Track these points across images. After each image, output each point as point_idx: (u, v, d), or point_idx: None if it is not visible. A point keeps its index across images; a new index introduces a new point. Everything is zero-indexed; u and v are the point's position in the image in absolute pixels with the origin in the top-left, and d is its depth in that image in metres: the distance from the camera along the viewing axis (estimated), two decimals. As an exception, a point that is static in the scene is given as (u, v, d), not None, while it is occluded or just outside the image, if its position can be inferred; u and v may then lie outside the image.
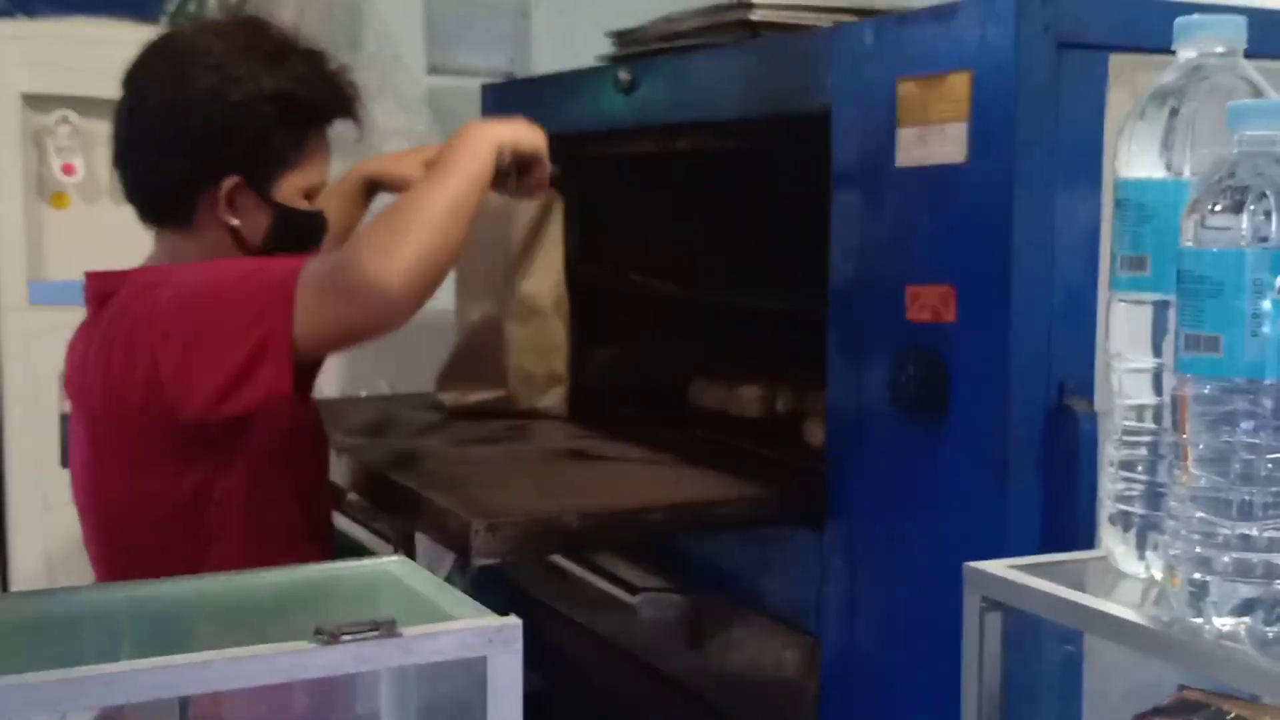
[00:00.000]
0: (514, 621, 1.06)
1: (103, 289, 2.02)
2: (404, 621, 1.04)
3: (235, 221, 2.03)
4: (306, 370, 1.95)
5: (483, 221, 2.50)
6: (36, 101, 3.06)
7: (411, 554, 2.47)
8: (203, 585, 1.37)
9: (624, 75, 2.45)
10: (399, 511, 2.17)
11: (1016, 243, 1.72)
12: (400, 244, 1.86)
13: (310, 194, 2.10)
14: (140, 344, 1.89)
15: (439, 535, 2.02)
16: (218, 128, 1.99)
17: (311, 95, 2.06)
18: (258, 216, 2.04)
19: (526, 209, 2.48)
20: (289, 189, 2.06)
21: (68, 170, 3.06)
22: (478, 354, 2.64)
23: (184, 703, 1.18)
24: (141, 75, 2.04)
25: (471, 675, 1.05)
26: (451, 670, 1.05)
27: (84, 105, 3.05)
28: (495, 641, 1.05)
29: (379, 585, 1.26)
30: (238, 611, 1.25)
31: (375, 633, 1.01)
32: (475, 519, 1.85)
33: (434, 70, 3.87)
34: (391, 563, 1.28)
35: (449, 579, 3.05)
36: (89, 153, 3.07)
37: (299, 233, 2.09)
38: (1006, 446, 1.74)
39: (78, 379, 2.02)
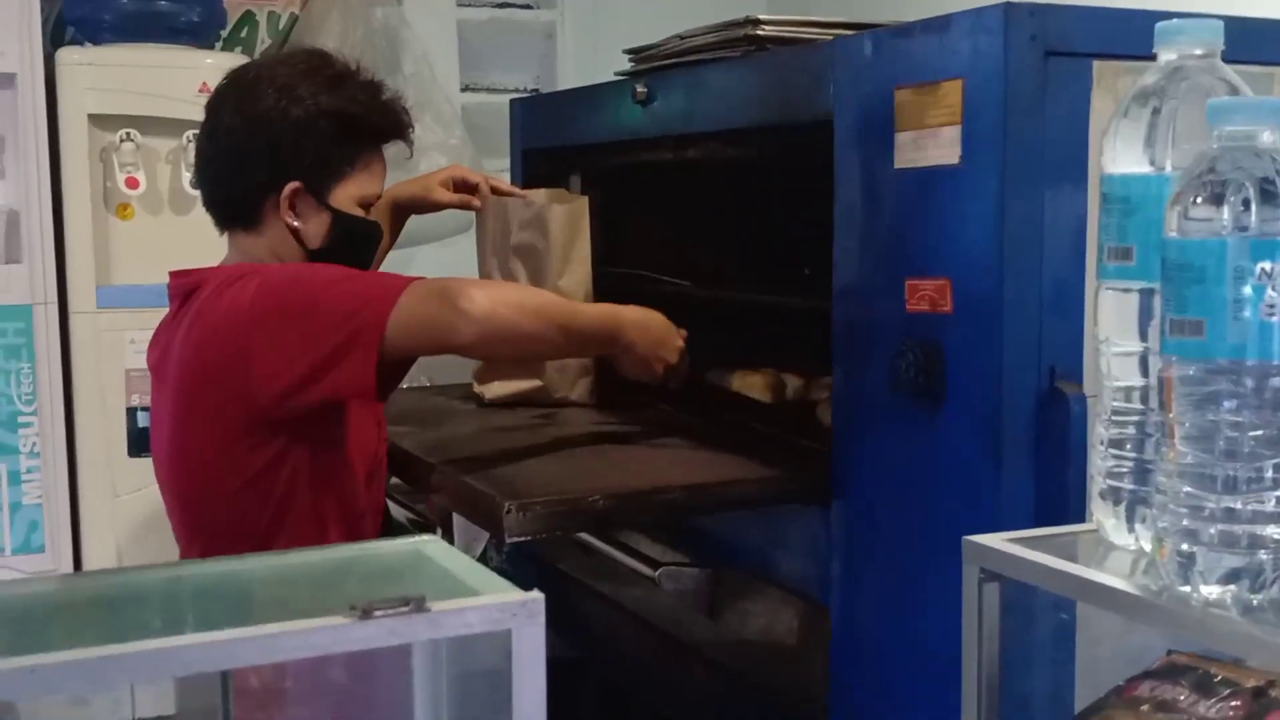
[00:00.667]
0: (536, 596, 1.03)
1: (187, 284, 2.06)
2: (434, 597, 1.01)
3: (296, 223, 2.08)
4: (390, 372, 1.97)
5: (521, 226, 2.50)
6: (102, 121, 3.05)
7: (449, 533, 2.46)
8: (252, 564, 1.35)
9: (640, 89, 2.44)
10: (437, 494, 2.15)
11: (1008, 238, 1.70)
12: (510, 300, 1.99)
13: (365, 204, 2.13)
14: (230, 329, 1.93)
15: (474, 515, 2.01)
16: (280, 139, 2.05)
17: (365, 115, 2.10)
18: (317, 220, 2.08)
19: (559, 215, 2.48)
20: (345, 197, 2.10)
21: (131, 184, 3.05)
22: None
23: (225, 676, 1.15)
24: (219, 99, 2.11)
25: (499, 648, 1.02)
26: (480, 643, 1.02)
27: (145, 124, 3.05)
28: (519, 615, 1.02)
29: (412, 564, 1.23)
30: (281, 589, 1.23)
31: (406, 608, 0.98)
32: (507, 500, 1.84)
33: (467, 88, 3.87)
34: (425, 542, 1.26)
35: (485, 556, 3.05)
36: (150, 168, 3.07)
37: (354, 237, 2.14)
38: (1001, 428, 1.71)
39: (165, 363, 2.06)
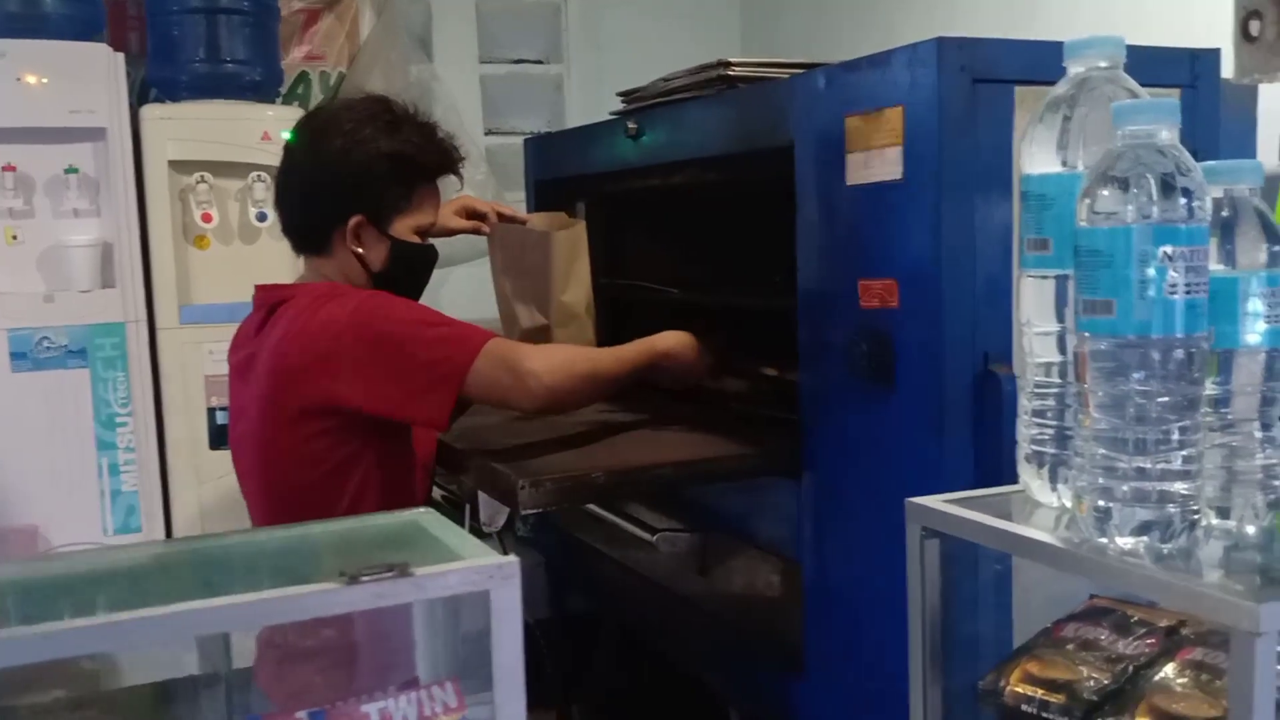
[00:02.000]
0: (511, 560, 0.97)
1: (275, 297, 2.02)
2: (422, 564, 0.95)
3: (359, 250, 2.01)
4: (459, 408, 1.94)
5: (526, 249, 2.44)
6: (181, 166, 3.02)
7: (475, 507, 2.41)
8: (269, 536, 1.30)
9: (632, 125, 2.39)
10: (464, 473, 2.10)
11: (945, 241, 1.66)
12: (565, 370, 1.96)
13: (421, 231, 2.07)
14: (326, 339, 1.88)
15: (494, 491, 1.96)
16: (345, 178, 1.99)
17: (420, 155, 2.04)
18: (378, 247, 2.02)
19: (560, 240, 2.41)
20: (403, 227, 2.03)
21: (206, 219, 3.02)
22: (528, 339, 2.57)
23: (226, 639, 1.09)
24: (293, 142, 2.07)
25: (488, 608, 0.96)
26: (474, 604, 0.96)
27: (217, 168, 3.03)
28: (496, 577, 0.96)
29: (409, 534, 1.17)
30: (289, 558, 1.17)
31: (390, 573, 0.91)
32: (521, 478, 1.80)
33: (490, 132, 3.85)
34: (421, 514, 1.19)
35: (514, 527, 3.00)
36: (221, 204, 3.04)
37: (411, 261, 2.08)
38: (943, 406, 1.67)
39: (251, 364, 2.00)
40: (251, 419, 2.00)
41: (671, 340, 2.17)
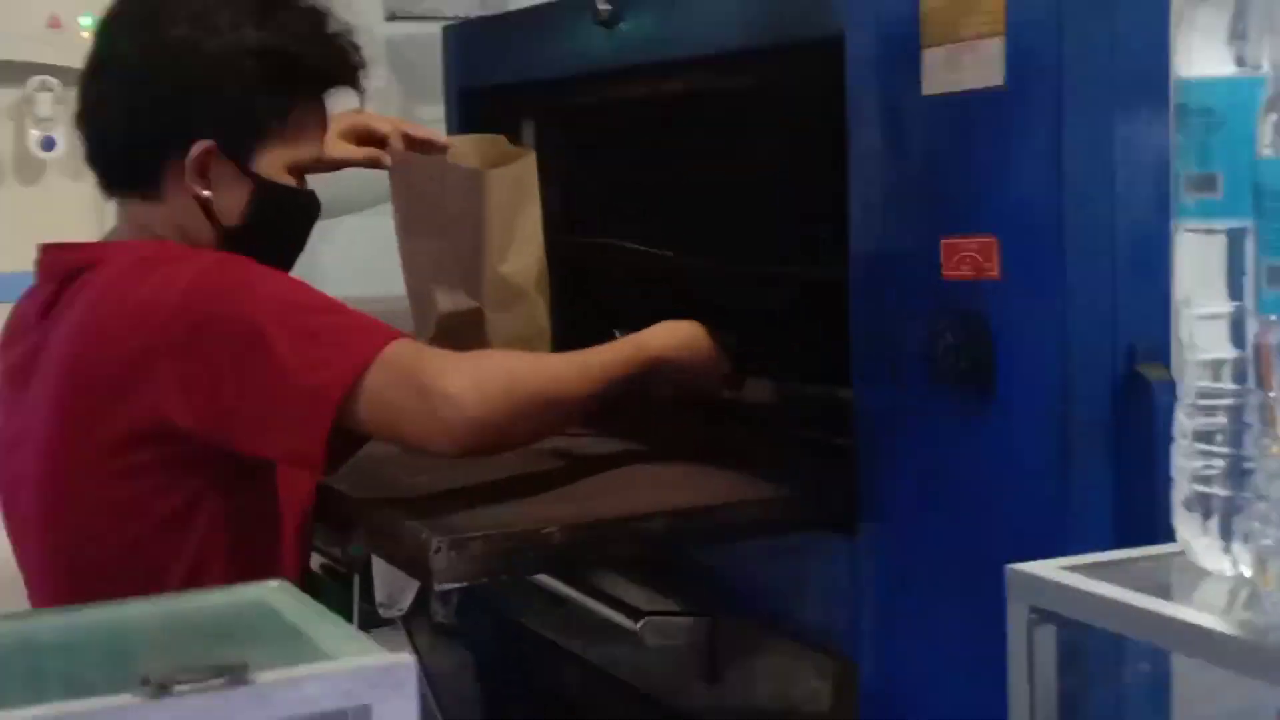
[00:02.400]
0: (405, 660, 0.97)
1: (71, 262, 2.04)
2: (271, 665, 0.95)
3: (206, 193, 2.03)
4: (343, 444, 1.94)
5: (447, 194, 2.45)
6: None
7: (368, 581, 2.43)
8: (47, 621, 1.31)
9: (603, 6, 2.41)
10: (353, 531, 2.12)
11: (1069, 179, 1.68)
12: (502, 391, 1.94)
13: (298, 170, 2.10)
14: (147, 328, 1.89)
15: (397, 557, 1.99)
16: (191, 82, 2.01)
17: (303, 54, 2.06)
18: (234, 190, 2.05)
19: (500, 179, 2.42)
20: (273, 162, 2.06)
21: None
22: (452, 345, 2.58)
23: None
24: (112, 24, 2.07)
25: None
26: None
27: None
28: (381, 686, 0.95)
29: (250, 619, 1.17)
30: (77, 656, 1.17)
31: (219, 680, 0.91)
32: (435, 535, 1.80)
33: (393, 16, 3.85)
34: (271, 590, 1.20)
35: (429, 610, 3.01)
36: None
37: (283, 213, 2.11)
38: (1067, 426, 1.69)
39: (33, 364, 2.01)
40: (31, 449, 2.00)
41: (668, 336, 2.19)
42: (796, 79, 2.20)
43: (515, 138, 2.78)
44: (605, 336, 2.56)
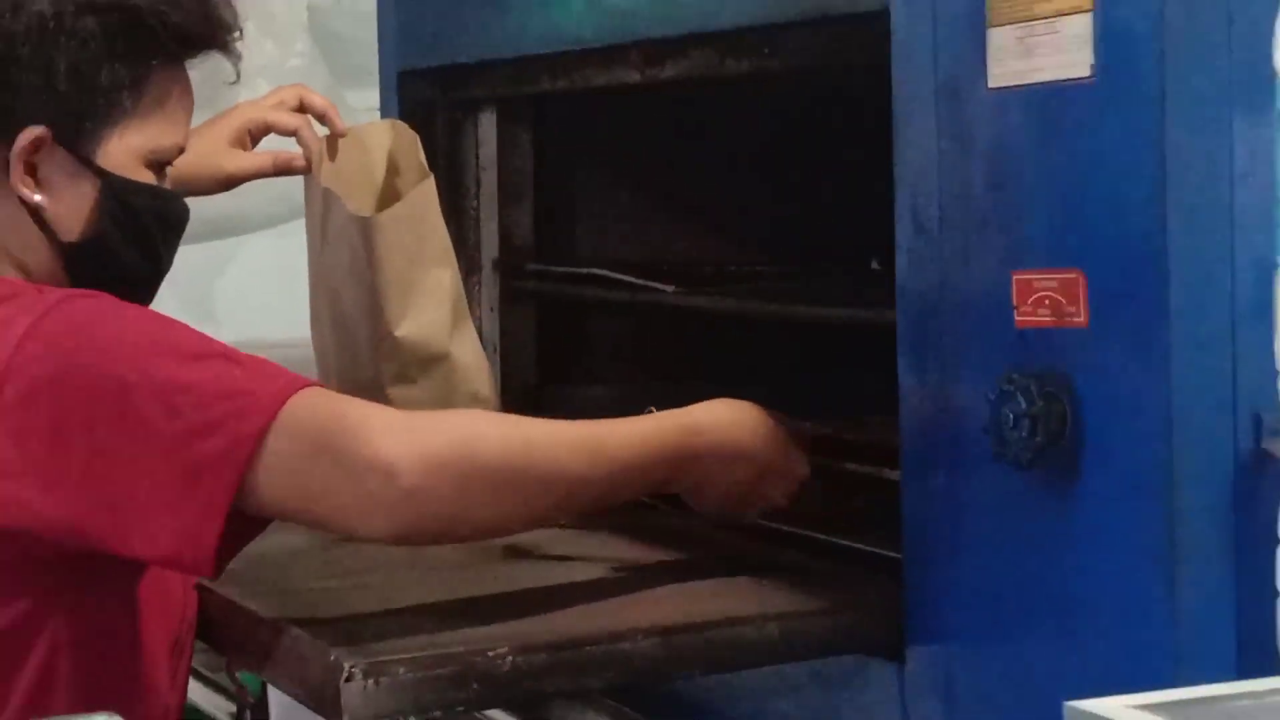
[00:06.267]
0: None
1: None
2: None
3: (38, 197, 2.04)
4: (236, 532, 1.92)
5: (333, 233, 2.48)
6: None
7: (262, 716, 2.44)
8: None
9: (585, -33, 2.45)
10: (242, 653, 2.14)
11: (1175, 201, 1.71)
12: (465, 453, 1.94)
13: (157, 160, 2.10)
14: None
15: (296, 687, 2.00)
16: (11, 54, 2.01)
17: (160, 10, 2.04)
18: (74, 191, 2.05)
19: (391, 218, 2.43)
20: (124, 151, 2.07)
21: None
22: None
23: None
24: None
25: None
26: None
27: None
28: None
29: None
30: None
31: None
32: (348, 659, 1.83)
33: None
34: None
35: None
36: None
37: (141, 220, 2.09)
38: (1174, 518, 1.73)
39: None
40: None
41: (726, 413, 2.20)
42: (828, 64, 2.25)
43: (469, 126, 2.84)
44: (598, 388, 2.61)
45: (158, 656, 2.09)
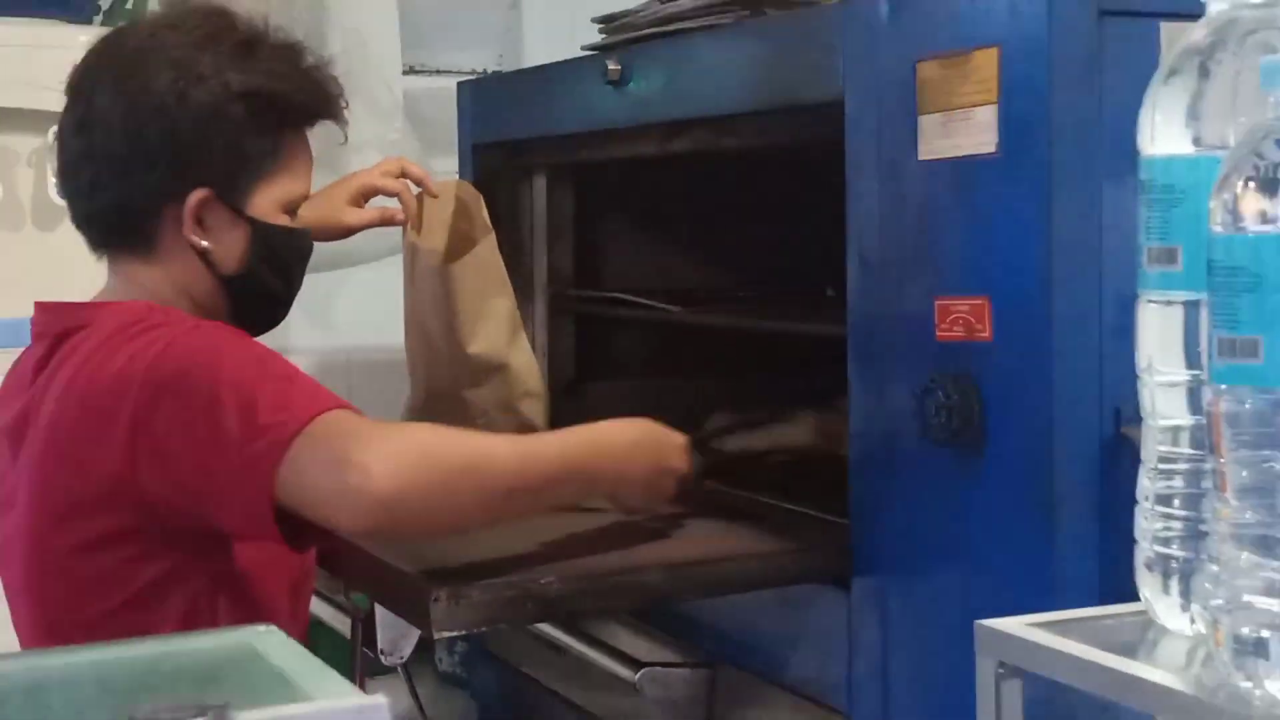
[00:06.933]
0: (377, 702, 1.01)
1: (64, 323, 2.00)
2: (252, 703, 0.99)
3: (205, 244, 2.01)
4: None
5: (419, 277, 2.50)
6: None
7: (371, 628, 2.45)
8: (33, 664, 1.34)
9: (613, 67, 2.45)
10: (355, 579, 2.14)
11: (1058, 244, 1.72)
12: (427, 459, 1.85)
13: (290, 207, 2.07)
14: (124, 403, 1.85)
15: (396, 605, 2.02)
16: (180, 133, 1.97)
17: (286, 92, 2.03)
18: (232, 236, 2.02)
19: (462, 267, 2.46)
20: (266, 202, 2.04)
21: (-14, 192, 3.06)
22: (436, 408, 2.63)
23: None
24: (89, 79, 2.02)
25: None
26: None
27: (3, 117, 3.06)
28: (356, 727, 1.00)
29: (237, 662, 1.21)
30: (64, 694, 1.21)
31: (201, 719, 0.96)
32: (435, 586, 1.84)
33: (411, 70, 3.85)
34: (259, 634, 1.24)
35: (432, 658, 3.04)
36: (7, 172, 3.06)
37: (281, 254, 2.08)
38: (1054, 484, 1.73)
39: (25, 426, 1.97)
40: (17, 514, 1.98)
41: (619, 435, 2.09)
42: (797, 140, 2.24)
43: (526, 188, 2.85)
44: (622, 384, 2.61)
45: (278, 598, 2.04)
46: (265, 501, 1.79)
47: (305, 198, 2.11)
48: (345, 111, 2.13)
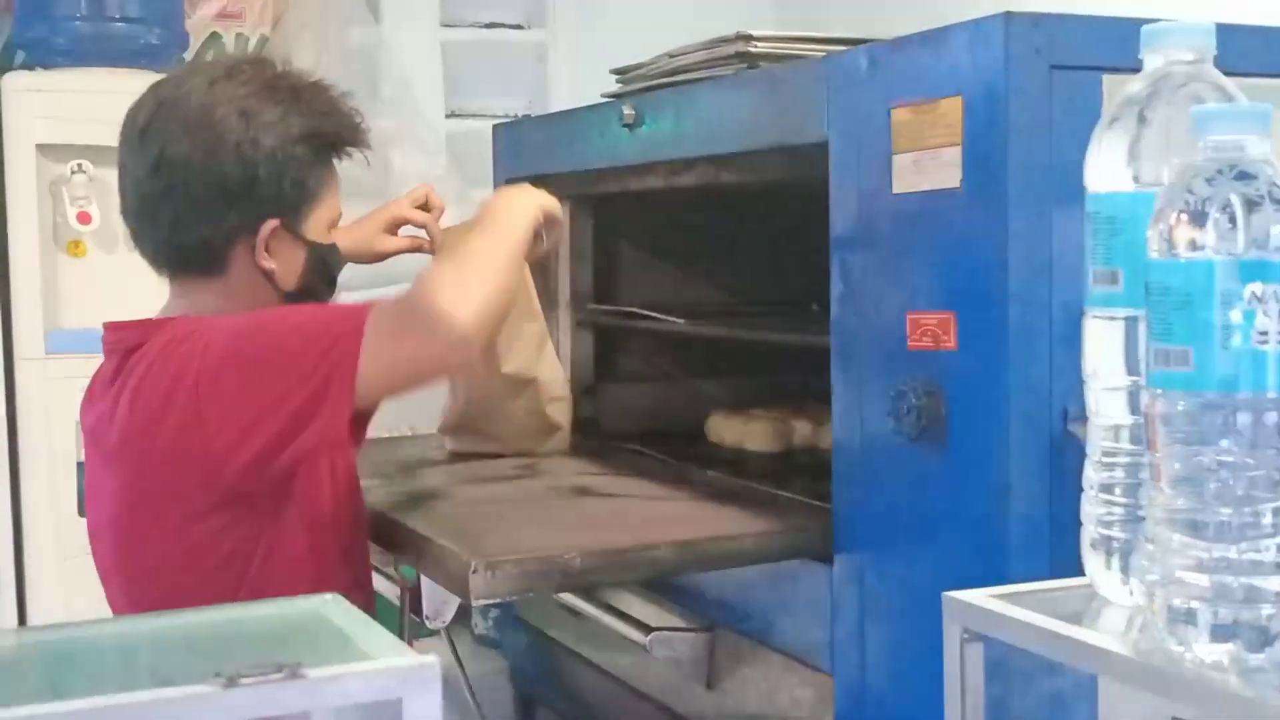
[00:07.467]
0: (430, 661, 1.02)
1: (126, 340, 1.99)
2: (322, 662, 1.00)
3: (271, 264, 2.02)
4: (360, 419, 1.93)
5: None
6: (52, 151, 3.05)
7: (417, 597, 2.45)
8: (135, 627, 1.35)
9: (628, 111, 2.45)
10: (403, 554, 2.15)
11: (1013, 266, 1.71)
12: (472, 285, 1.91)
13: (332, 225, 2.11)
14: (184, 394, 1.86)
15: (439, 576, 2.00)
16: (258, 175, 1.98)
17: (334, 129, 2.06)
18: (293, 256, 2.04)
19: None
20: (317, 225, 2.06)
21: (83, 219, 3.05)
22: (473, 417, 2.65)
23: None
24: (158, 128, 2.00)
25: None
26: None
27: (99, 155, 3.01)
28: (410, 682, 1.00)
29: (308, 627, 1.22)
30: (162, 654, 1.22)
31: (278, 675, 0.97)
32: (474, 559, 1.84)
33: (452, 114, 3.86)
34: (325, 602, 1.25)
35: (470, 622, 3.05)
36: (105, 201, 3.06)
37: (329, 268, 2.11)
38: (1010, 475, 1.72)
39: (103, 433, 1.98)
40: (104, 504, 1.99)
41: (518, 195, 2.20)
42: (788, 176, 2.23)
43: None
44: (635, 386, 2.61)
45: (339, 559, 2.03)
46: (345, 410, 1.86)
47: (340, 215, 2.13)
48: (368, 137, 2.15)
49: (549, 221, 2.19)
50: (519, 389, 2.56)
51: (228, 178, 1.97)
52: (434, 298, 1.88)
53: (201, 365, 1.87)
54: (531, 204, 2.15)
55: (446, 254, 1.99)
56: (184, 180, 1.97)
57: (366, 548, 2.16)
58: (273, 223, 2.00)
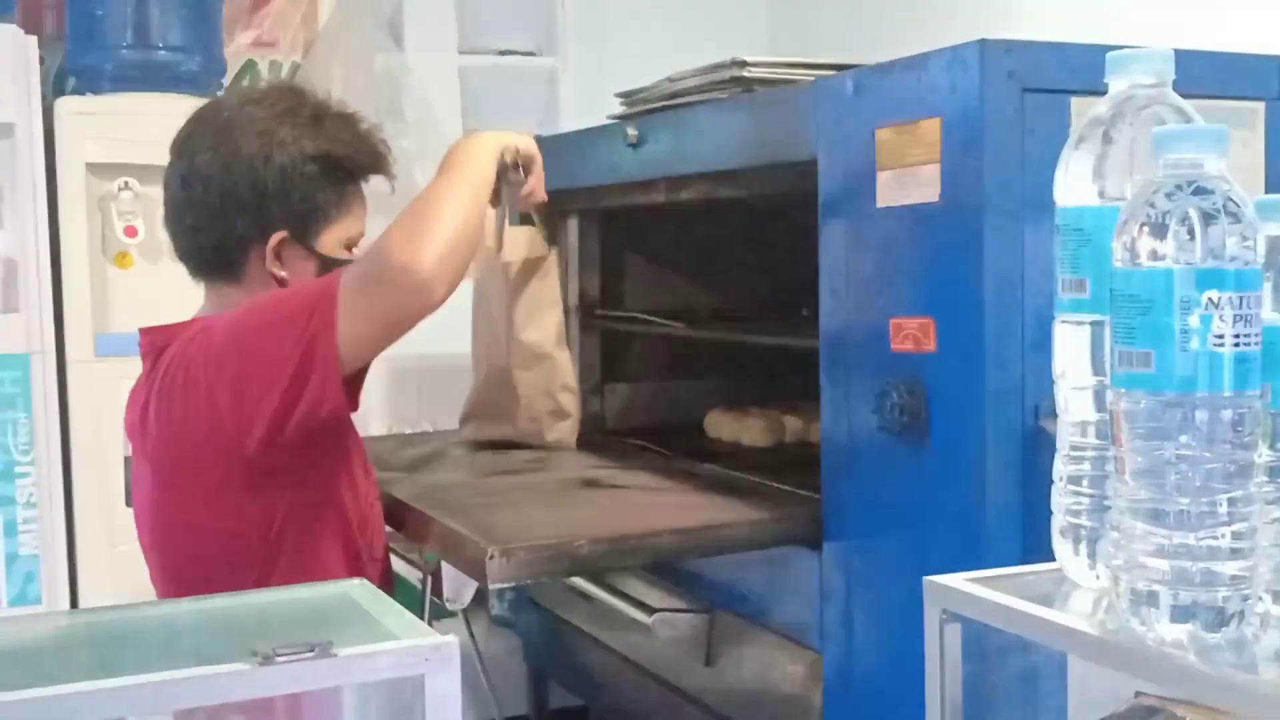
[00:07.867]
0: (449, 640, 1.02)
1: (157, 343, 2.02)
2: (349, 642, 1.00)
3: (282, 273, 2.03)
4: (353, 380, 1.92)
5: (487, 278, 2.52)
6: (101, 170, 3.07)
7: (438, 581, 2.46)
8: (179, 610, 1.36)
9: (632, 131, 2.46)
10: (425, 541, 2.15)
11: (988, 275, 1.71)
12: (427, 230, 1.86)
13: (350, 244, 2.10)
14: (197, 384, 1.89)
15: (459, 562, 2.01)
16: (266, 188, 2.00)
17: (348, 154, 2.07)
18: (304, 267, 2.04)
19: (524, 266, 2.49)
20: (331, 240, 2.06)
21: (130, 233, 3.06)
22: (491, 395, 2.66)
23: None
24: (191, 144, 2.05)
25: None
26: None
27: (144, 173, 3.03)
28: (432, 660, 1.01)
29: (335, 608, 1.22)
30: (203, 634, 1.22)
31: (310, 653, 0.97)
32: (490, 545, 1.85)
33: (469, 133, 3.86)
34: (353, 586, 1.25)
35: (486, 604, 3.05)
36: (149, 216, 3.07)
37: None
38: (985, 468, 1.72)
39: (140, 428, 2.01)
40: (142, 491, 2.02)
41: (488, 134, 2.14)
42: (780, 191, 2.23)
43: (560, 230, 2.85)
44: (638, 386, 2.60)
45: (350, 530, 2.04)
46: (333, 372, 1.84)
47: (363, 235, 2.12)
48: (394, 166, 2.15)
49: (525, 158, 2.18)
50: (534, 361, 2.57)
51: (239, 189, 2.00)
52: (391, 248, 1.85)
53: (206, 355, 1.90)
54: (491, 141, 2.11)
55: (412, 203, 1.96)
56: (203, 190, 2.02)
57: (381, 523, 2.17)
58: (281, 234, 2.02)
